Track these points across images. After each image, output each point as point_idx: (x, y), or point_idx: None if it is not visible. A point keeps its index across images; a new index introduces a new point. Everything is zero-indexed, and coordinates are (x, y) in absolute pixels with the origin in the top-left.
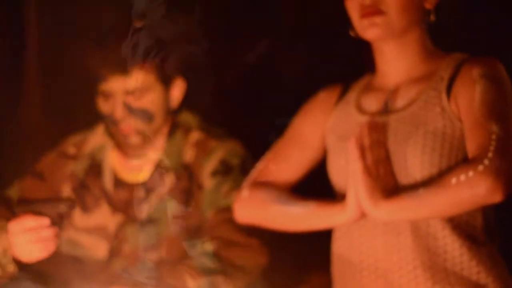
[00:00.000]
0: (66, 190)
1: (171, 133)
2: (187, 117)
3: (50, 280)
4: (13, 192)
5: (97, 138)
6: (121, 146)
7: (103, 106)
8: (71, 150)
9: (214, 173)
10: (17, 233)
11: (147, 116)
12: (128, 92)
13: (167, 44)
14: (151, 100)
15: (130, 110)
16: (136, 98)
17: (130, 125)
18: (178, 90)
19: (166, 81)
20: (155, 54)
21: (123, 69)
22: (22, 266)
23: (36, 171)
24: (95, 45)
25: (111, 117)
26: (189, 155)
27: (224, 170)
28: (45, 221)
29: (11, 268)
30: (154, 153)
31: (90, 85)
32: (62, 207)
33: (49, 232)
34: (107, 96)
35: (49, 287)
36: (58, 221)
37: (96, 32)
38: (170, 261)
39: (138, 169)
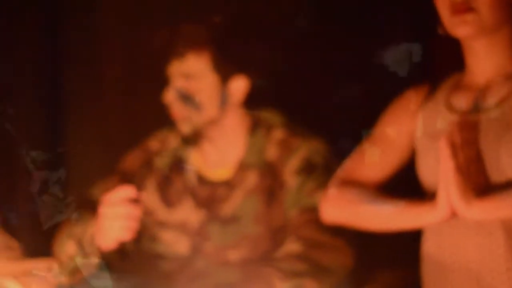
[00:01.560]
0: (151, 186)
1: (253, 130)
2: (269, 115)
3: (130, 277)
4: (97, 192)
5: (179, 133)
6: (198, 137)
7: (165, 93)
8: (155, 146)
9: (298, 172)
10: (107, 205)
11: (193, 103)
12: (179, 77)
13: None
14: (200, 88)
15: (178, 94)
16: (186, 82)
17: (178, 110)
18: (237, 86)
19: (223, 73)
20: (213, 42)
21: (181, 52)
22: (102, 263)
23: (120, 169)
24: (161, 28)
25: (168, 104)
26: (272, 153)
27: (308, 169)
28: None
29: (95, 259)
30: (237, 151)
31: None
32: None
33: (135, 208)
34: (167, 81)
35: (129, 284)
36: None
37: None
38: (253, 261)
39: (221, 166)
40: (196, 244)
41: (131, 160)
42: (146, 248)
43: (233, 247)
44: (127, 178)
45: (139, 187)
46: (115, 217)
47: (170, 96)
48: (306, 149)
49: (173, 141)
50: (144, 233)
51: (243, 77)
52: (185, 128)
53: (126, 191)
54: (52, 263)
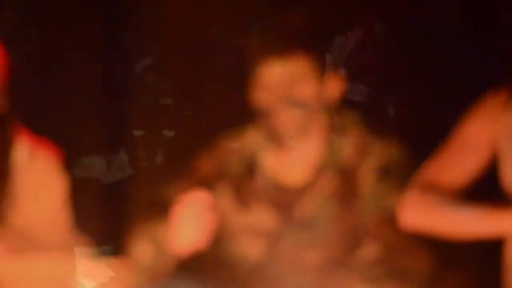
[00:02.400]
0: (225, 189)
1: (330, 131)
2: (346, 116)
3: (204, 279)
4: (170, 193)
5: (254, 135)
6: (277, 140)
7: (259, 97)
8: (229, 148)
9: (374, 174)
10: (182, 207)
11: (301, 107)
12: (284, 82)
13: (329, 37)
14: (306, 91)
15: (285, 100)
16: (291, 87)
17: (285, 116)
18: (335, 86)
19: (323, 75)
20: (315, 45)
21: (281, 57)
22: (177, 264)
23: (194, 171)
24: (253, 32)
25: (267, 108)
26: (348, 155)
27: (384, 171)
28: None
29: (170, 260)
30: (312, 151)
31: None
32: None
33: (210, 211)
34: (264, 86)
35: (204, 287)
36: None
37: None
38: (329, 265)
39: (297, 167)
40: (271, 247)
41: (205, 162)
42: (221, 251)
43: (309, 251)
44: (201, 181)
45: (213, 190)
46: (190, 218)
47: (275, 103)
48: (382, 151)
49: (248, 144)
50: (219, 236)
51: (339, 77)
52: (291, 133)
53: (201, 194)
54: (128, 262)
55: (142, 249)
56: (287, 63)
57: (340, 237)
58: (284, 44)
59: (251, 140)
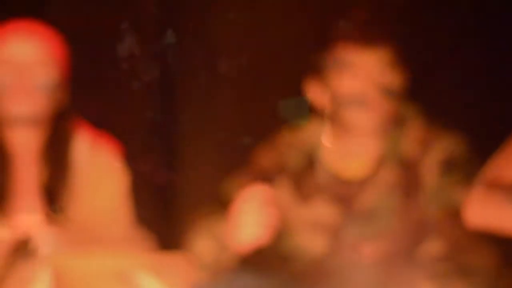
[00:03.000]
0: (285, 183)
1: (392, 124)
2: (408, 109)
3: (265, 274)
4: (230, 188)
5: (313, 129)
6: (350, 131)
7: (344, 85)
8: (287, 142)
9: (437, 168)
10: (243, 202)
11: (391, 95)
12: (374, 70)
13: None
14: (393, 80)
15: (378, 88)
16: (381, 76)
17: (376, 105)
18: (401, 78)
19: (395, 66)
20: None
21: (370, 47)
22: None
23: (253, 166)
24: (339, 21)
25: (354, 97)
26: (411, 148)
27: (447, 165)
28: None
29: (231, 255)
30: (373, 146)
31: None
32: None
33: (271, 206)
34: (351, 75)
35: (264, 282)
36: None
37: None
38: (391, 260)
39: (356, 161)
40: (332, 241)
41: (266, 156)
42: (282, 245)
43: (370, 245)
44: (260, 175)
45: (273, 184)
46: (251, 214)
47: (367, 92)
48: (445, 145)
49: (309, 137)
50: (280, 230)
51: (403, 70)
52: (373, 122)
53: (261, 188)
54: (187, 257)
55: (203, 244)
56: (377, 52)
57: (402, 231)
58: (374, 34)
59: (311, 133)
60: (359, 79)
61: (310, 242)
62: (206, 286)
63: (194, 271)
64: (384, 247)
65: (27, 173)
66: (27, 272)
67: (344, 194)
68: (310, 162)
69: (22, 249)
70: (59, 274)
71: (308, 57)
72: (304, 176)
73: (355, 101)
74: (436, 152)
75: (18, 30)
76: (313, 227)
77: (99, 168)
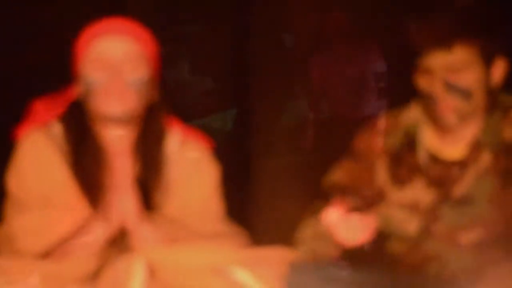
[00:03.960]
0: (382, 166)
1: (490, 112)
2: (506, 98)
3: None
4: (334, 178)
5: (412, 113)
6: (437, 124)
7: (422, 82)
8: (385, 125)
9: None
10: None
11: (466, 95)
12: (448, 70)
13: (492, 23)
14: (471, 79)
15: (449, 88)
16: (456, 76)
17: (448, 104)
18: (499, 70)
19: (487, 61)
20: (479, 32)
21: (445, 45)
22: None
23: (352, 150)
24: (418, 19)
25: (430, 94)
26: (509, 134)
27: None
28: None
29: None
30: (471, 131)
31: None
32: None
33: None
34: (427, 72)
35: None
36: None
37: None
38: (486, 245)
39: (454, 146)
40: (427, 224)
41: (362, 140)
42: (378, 227)
43: (465, 229)
44: (357, 161)
45: (371, 167)
46: (349, 229)
47: (439, 90)
48: None
49: (405, 120)
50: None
51: (502, 61)
52: (453, 120)
53: (336, 212)
54: (284, 252)
55: (305, 237)
56: (452, 51)
57: (498, 217)
58: (451, 33)
59: (411, 116)
60: (431, 76)
61: (405, 224)
62: (302, 273)
63: (285, 266)
64: (480, 231)
65: (122, 168)
66: (122, 266)
67: (442, 176)
68: (409, 144)
69: (117, 243)
70: (154, 268)
71: None
72: (403, 157)
73: (430, 96)
74: None
75: (108, 27)
76: (410, 209)
77: (190, 163)
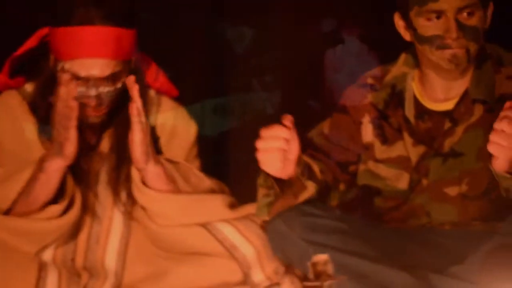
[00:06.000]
0: (366, 121)
1: (480, 63)
2: (497, 50)
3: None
4: (315, 133)
5: (398, 68)
6: (438, 71)
7: (429, 27)
8: (371, 81)
9: None
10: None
11: (477, 36)
12: (460, 10)
13: None
14: (478, 20)
15: (462, 27)
16: (467, 16)
17: (461, 43)
18: (490, 14)
19: (486, 3)
20: None
21: None
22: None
23: (339, 106)
24: None
25: (441, 38)
26: (501, 88)
27: None
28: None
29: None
30: (461, 83)
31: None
32: None
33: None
34: (437, 15)
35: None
36: None
37: None
38: (473, 198)
39: (443, 98)
40: (415, 179)
41: (350, 95)
42: (365, 183)
43: (453, 183)
44: (345, 114)
45: (357, 122)
46: (268, 150)
47: (453, 32)
48: None
49: (389, 76)
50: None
51: (490, 10)
52: (463, 62)
53: (281, 130)
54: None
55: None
56: None
57: (485, 171)
58: None
59: (396, 71)
60: (442, 20)
61: (394, 180)
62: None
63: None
64: (467, 185)
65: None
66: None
67: (429, 131)
68: (395, 100)
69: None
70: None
71: None
72: (387, 114)
73: (438, 41)
74: None
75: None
76: (396, 165)
77: (169, 126)
